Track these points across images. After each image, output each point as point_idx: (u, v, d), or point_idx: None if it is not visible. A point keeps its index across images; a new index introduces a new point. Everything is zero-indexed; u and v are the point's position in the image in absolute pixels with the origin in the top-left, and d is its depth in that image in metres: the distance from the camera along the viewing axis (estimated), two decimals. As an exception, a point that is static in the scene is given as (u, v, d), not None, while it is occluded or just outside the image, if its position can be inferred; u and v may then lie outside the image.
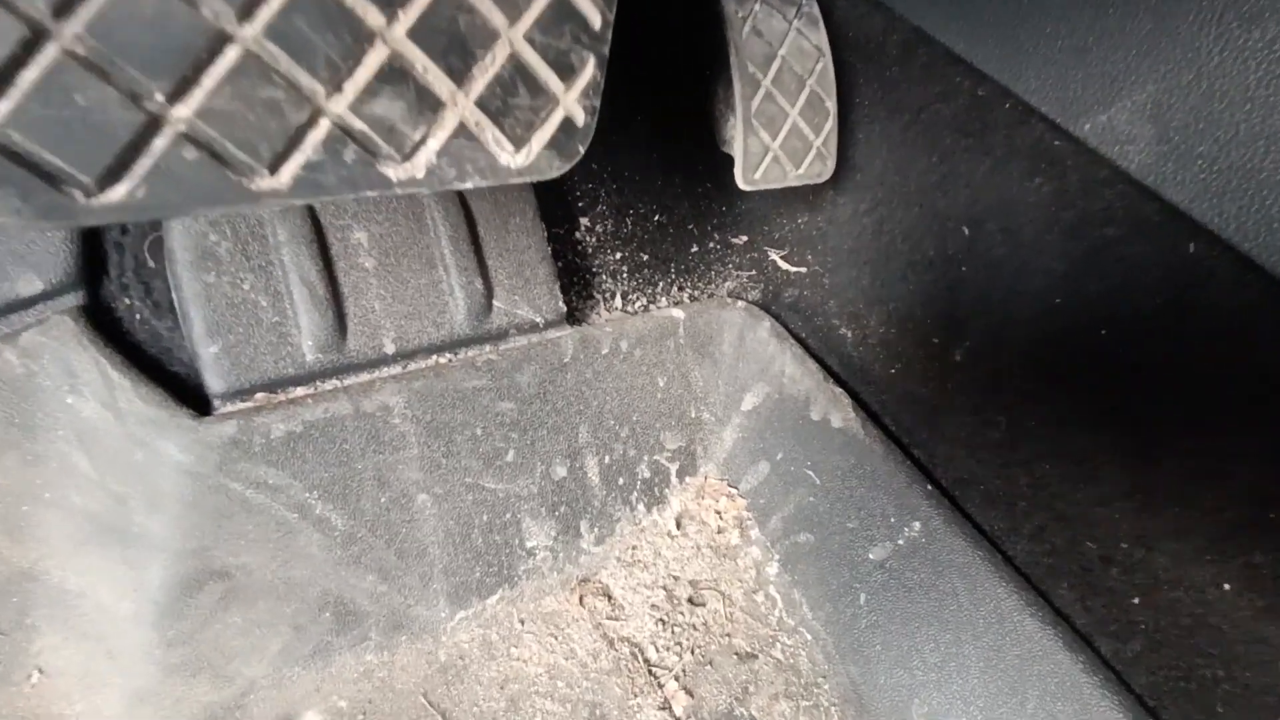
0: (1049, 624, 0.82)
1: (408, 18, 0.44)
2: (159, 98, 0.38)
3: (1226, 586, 0.77)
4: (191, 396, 0.76)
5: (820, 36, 0.93)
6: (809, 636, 0.95)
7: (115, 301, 0.78)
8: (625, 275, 1.11)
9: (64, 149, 0.36)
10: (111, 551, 0.72)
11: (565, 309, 0.98)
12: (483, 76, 0.47)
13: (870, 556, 0.93)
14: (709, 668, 0.89)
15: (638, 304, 1.11)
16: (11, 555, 0.71)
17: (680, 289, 1.14)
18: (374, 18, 0.43)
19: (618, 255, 1.11)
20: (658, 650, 0.89)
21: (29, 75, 0.35)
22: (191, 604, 0.73)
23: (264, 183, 0.42)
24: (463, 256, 0.89)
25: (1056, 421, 0.86)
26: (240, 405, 0.76)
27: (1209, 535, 0.77)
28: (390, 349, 0.84)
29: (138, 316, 0.79)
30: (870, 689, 0.90)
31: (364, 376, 0.82)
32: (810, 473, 1.00)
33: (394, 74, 0.44)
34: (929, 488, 0.92)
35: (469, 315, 0.89)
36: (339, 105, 0.43)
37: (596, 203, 1.10)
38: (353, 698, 0.77)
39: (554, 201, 1.05)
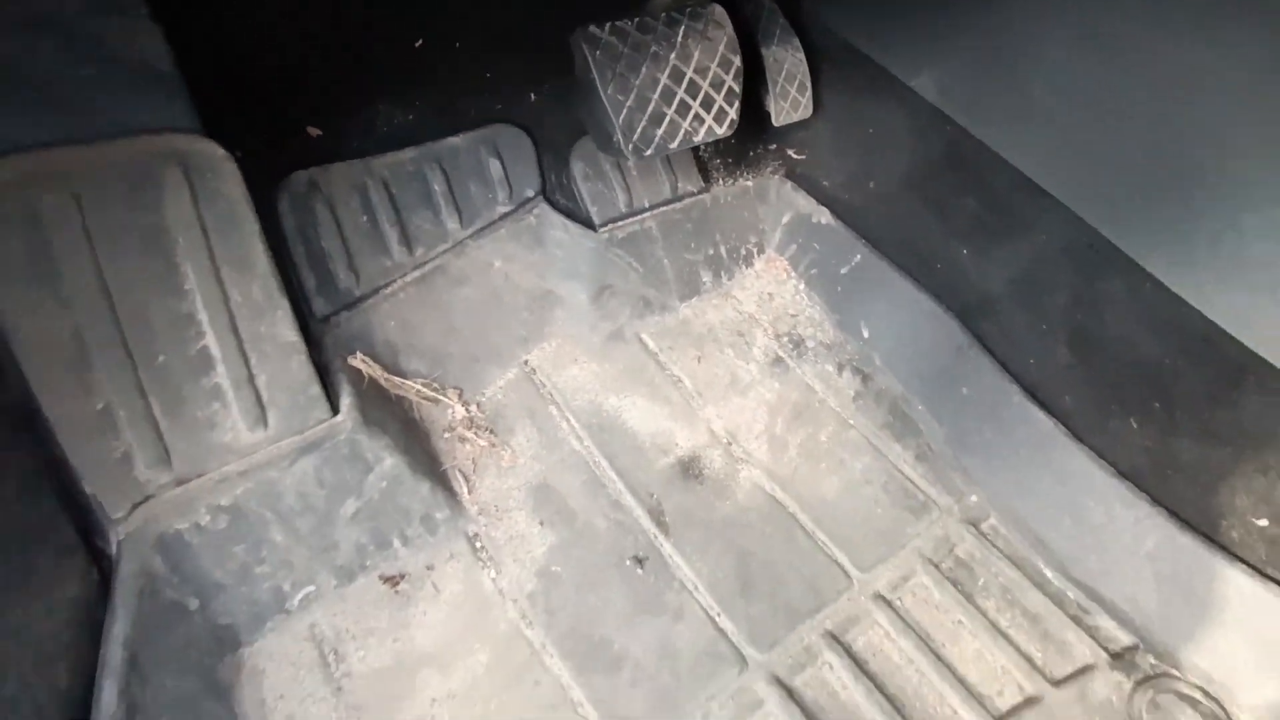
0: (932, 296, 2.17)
1: (717, 101, 1.76)
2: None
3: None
4: (587, 224, 2.12)
5: (804, 61, 2.21)
6: (817, 309, 2.33)
7: (550, 195, 2.14)
8: (721, 168, 2.43)
9: (662, 146, 1.70)
10: (571, 282, 2.10)
11: (704, 184, 2.31)
12: (713, 107, 1.80)
13: (840, 271, 2.29)
14: (782, 317, 2.28)
15: (727, 181, 2.43)
16: (541, 283, 2.10)
17: (746, 171, 2.46)
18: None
19: (718, 161, 2.43)
20: (755, 315, 2.28)
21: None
22: (601, 297, 2.11)
23: (699, 136, 1.76)
24: (670, 166, 2.23)
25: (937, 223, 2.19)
26: (605, 228, 2.13)
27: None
28: (647, 203, 2.20)
29: (560, 200, 2.14)
30: (842, 317, 2.28)
31: (642, 215, 2.18)
32: (815, 244, 2.35)
33: (696, 107, 1.77)
34: (865, 244, 2.26)
35: (670, 189, 2.24)
36: (707, 119, 1.76)
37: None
38: (659, 330, 2.17)
39: (691, 138, 2.36)
